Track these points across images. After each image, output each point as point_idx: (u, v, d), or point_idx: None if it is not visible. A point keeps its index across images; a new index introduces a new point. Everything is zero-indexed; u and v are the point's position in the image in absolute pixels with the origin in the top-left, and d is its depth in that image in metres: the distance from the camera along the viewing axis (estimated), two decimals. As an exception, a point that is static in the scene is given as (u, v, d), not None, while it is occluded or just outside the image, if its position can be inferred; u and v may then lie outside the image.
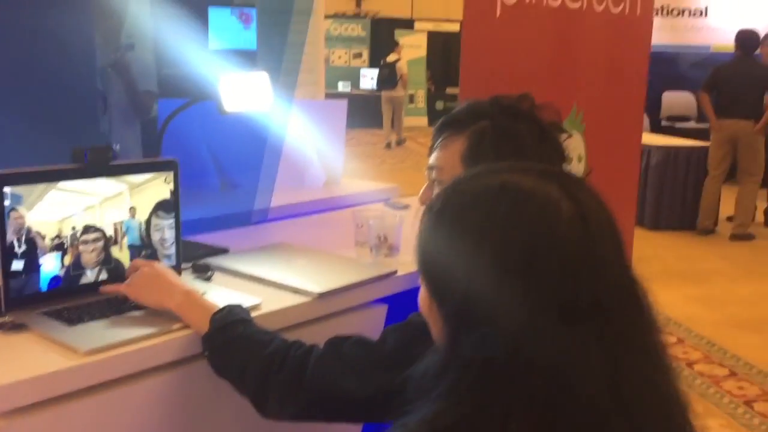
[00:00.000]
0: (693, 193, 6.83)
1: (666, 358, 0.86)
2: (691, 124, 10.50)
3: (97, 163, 1.51)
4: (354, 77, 15.55)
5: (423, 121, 15.66)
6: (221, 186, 2.82)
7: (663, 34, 10.75)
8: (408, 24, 16.42)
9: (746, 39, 6.43)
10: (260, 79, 1.90)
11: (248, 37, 8.27)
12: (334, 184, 2.93)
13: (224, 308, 1.39)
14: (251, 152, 2.68)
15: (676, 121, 10.64)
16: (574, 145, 2.09)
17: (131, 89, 3.59)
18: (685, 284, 5.40)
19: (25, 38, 1.72)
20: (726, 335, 4.45)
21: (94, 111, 1.92)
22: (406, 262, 1.83)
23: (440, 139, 1.48)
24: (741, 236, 6.50)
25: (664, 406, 0.84)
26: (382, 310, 1.77)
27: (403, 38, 15.88)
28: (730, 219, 6.82)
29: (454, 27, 17.16)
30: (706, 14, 10.84)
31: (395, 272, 1.78)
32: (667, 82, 10.78)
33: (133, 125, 3.63)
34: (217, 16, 8.02)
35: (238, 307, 1.41)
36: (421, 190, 1.56)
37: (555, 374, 0.78)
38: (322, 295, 1.61)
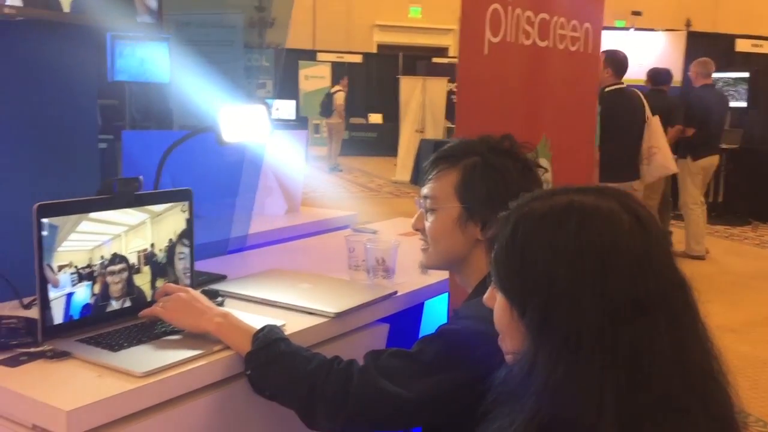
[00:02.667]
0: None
1: (714, 344, 1.02)
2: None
3: (125, 193, 1.56)
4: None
5: (327, 150, 15.80)
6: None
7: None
8: (311, 55, 16.59)
9: (657, 74, 6.95)
10: (258, 111, 1.98)
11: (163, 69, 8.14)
12: (294, 212, 3.01)
13: (264, 327, 1.46)
14: (215, 182, 2.73)
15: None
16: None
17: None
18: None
19: (29, 74, 1.75)
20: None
21: (96, 144, 1.95)
22: (402, 283, 1.95)
23: (434, 172, 1.62)
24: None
25: (719, 386, 0.99)
26: (385, 329, 1.87)
27: (307, 69, 16.04)
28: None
29: (356, 58, 17.50)
30: (597, 49, 11.55)
31: (395, 293, 1.89)
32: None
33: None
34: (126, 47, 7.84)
35: (276, 326, 1.49)
36: (414, 218, 1.69)
37: (635, 360, 0.92)
38: (339, 315, 1.70)
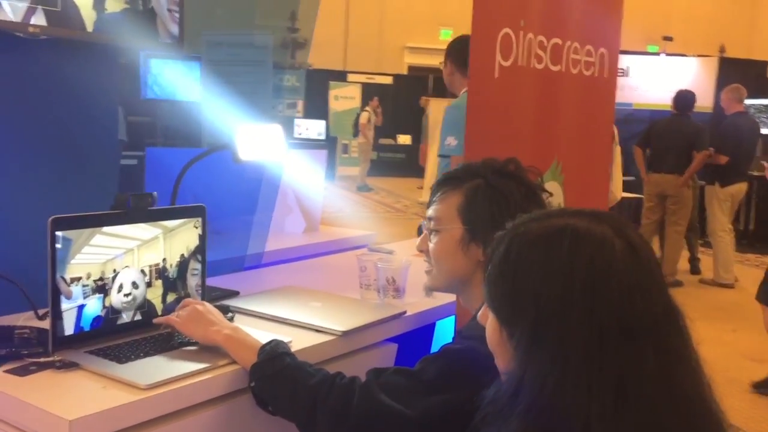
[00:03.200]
0: (624, 242, 7.17)
1: (705, 371, 1.02)
2: (617, 177, 11.01)
3: (138, 208, 1.60)
4: (288, 126, 15.75)
5: (356, 170, 15.88)
6: (204, 232, 2.89)
7: (588, 92, 11.33)
8: (341, 76, 16.74)
9: (681, 99, 6.90)
10: (274, 130, 2.02)
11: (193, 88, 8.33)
12: (312, 231, 3.04)
13: (271, 341, 1.49)
14: (235, 199, 2.77)
15: (602, 174, 11.14)
16: (555, 196, 2.28)
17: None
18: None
19: (51, 90, 1.81)
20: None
21: (116, 160, 2.01)
22: (412, 303, 1.96)
23: (439, 194, 1.64)
24: (669, 284, 6.85)
25: (707, 412, 0.99)
26: (393, 348, 1.88)
27: (337, 90, 16.19)
28: (658, 267, 7.18)
29: (387, 80, 17.61)
30: (627, 74, 11.50)
31: (405, 312, 1.90)
32: (593, 136, 11.32)
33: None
34: (158, 66, 8.15)
35: (283, 342, 1.51)
36: (419, 239, 1.71)
37: (621, 383, 0.93)
38: (346, 333, 1.72)
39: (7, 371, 1.40)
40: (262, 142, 2.00)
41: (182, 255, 1.72)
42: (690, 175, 6.70)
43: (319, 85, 16.43)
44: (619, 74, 9.58)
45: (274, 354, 1.45)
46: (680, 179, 6.68)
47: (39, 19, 1.67)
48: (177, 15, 1.86)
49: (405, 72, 18.50)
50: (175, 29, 1.88)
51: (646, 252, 1.00)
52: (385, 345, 1.87)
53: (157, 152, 2.73)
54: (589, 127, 2.43)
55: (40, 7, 1.66)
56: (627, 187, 8.90)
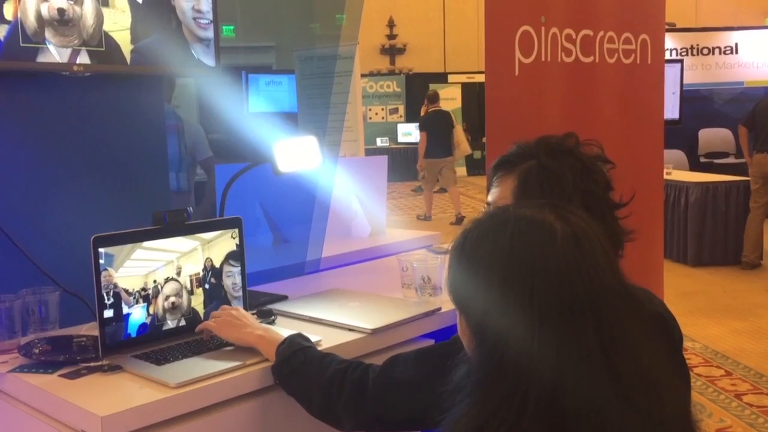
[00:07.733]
0: (735, 228, 6.87)
1: (656, 348, 1.04)
2: (731, 160, 10.52)
3: (175, 224, 1.74)
4: (391, 132, 15.97)
5: (461, 170, 15.86)
6: (274, 241, 3.04)
7: (695, 73, 10.88)
8: (442, 78, 16.80)
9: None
10: (309, 142, 2.13)
11: (291, 101, 8.68)
12: (378, 235, 3.13)
13: (285, 340, 1.59)
14: (301, 209, 2.91)
15: (714, 158, 10.68)
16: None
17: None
18: (731, 318, 5.45)
19: (106, 116, 2.01)
20: (774, 366, 4.49)
21: (165, 177, 2.19)
22: (448, 300, 2.01)
23: (495, 178, 1.63)
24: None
25: (656, 387, 1.01)
26: (429, 344, 1.94)
27: (439, 92, 16.26)
28: (773, 252, 6.83)
29: (488, 78, 17.53)
30: (736, 51, 10.95)
31: (439, 309, 1.96)
32: (703, 119, 10.87)
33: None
34: (256, 81, 8.55)
35: (298, 335, 1.62)
36: None
37: (559, 360, 0.97)
38: (375, 331, 1.80)
39: (61, 375, 1.57)
40: (300, 154, 2.11)
41: (221, 263, 1.85)
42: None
43: (420, 88, 16.57)
44: (726, 52, 9.27)
45: (288, 354, 1.55)
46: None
47: (83, 58, 1.85)
48: (207, 46, 2.02)
49: (507, 68, 18.33)
50: (202, 33, 2.03)
51: (590, 236, 1.04)
52: (421, 341, 1.93)
53: (226, 168, 2.89)
54: (635, 113, 2.40)
55: (84, 48, 1.85)
56: (735, 170, 8.51)
